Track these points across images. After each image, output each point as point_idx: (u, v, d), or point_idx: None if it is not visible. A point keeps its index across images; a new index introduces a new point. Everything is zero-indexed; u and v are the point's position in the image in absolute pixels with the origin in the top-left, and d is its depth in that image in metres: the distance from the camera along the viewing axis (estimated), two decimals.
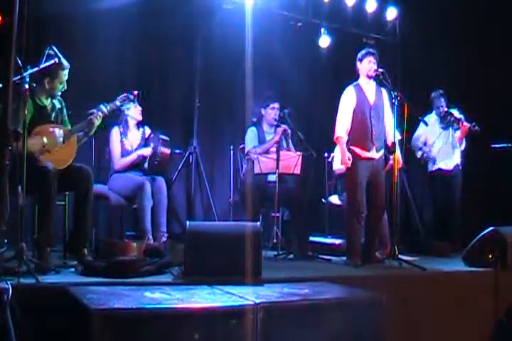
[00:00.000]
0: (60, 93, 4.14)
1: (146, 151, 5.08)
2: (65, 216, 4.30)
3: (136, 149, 5.13)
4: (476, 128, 6.07)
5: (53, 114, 4.14)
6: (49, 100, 4.13)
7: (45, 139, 3.91)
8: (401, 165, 5.08)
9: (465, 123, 6.10)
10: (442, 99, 6.29)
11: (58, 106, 4.20)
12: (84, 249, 3.98)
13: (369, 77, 4.94)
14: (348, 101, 4.95)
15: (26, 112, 3.60)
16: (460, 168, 6.31)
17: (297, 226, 5.29)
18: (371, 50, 4.98)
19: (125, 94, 4.48)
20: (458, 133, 6.22)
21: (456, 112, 6.27)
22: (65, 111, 4.26)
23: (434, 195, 6.47)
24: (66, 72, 4.07)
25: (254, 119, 5.80)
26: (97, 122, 4.16)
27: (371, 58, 4.90)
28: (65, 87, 4.12)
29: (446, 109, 6.28)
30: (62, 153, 4.01)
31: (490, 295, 4.41)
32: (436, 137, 6.34)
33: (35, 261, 3.40)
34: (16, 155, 3.25)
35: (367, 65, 4.91)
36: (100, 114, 4.17)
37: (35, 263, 3.38)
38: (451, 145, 6.28)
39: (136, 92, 4.62)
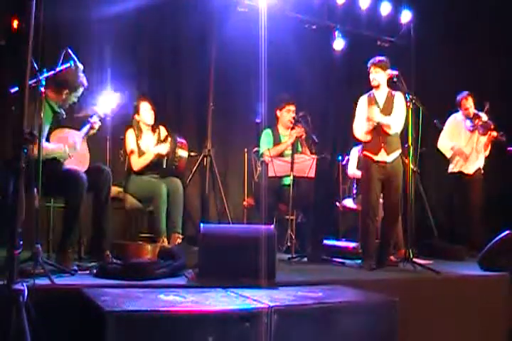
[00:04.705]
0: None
1: (164, 149, 5.09)
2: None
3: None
4: (504, 138, 6.02)
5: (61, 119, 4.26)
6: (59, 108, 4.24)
7: (66, 148, 4.01)
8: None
9: (493, 133, 6.04)
10: (470, 100, 6.20)
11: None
12: (107, 250, 4.02)
13: (374, 88, 4.97)
14: (359, 109, 5.03)
15: (45, 117, 3.73)
16: (482, 171, 6.24)
17: (311, 229, 5.28)
18: (372, 60, 4.96)
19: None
20: (485, 140, 6.14)
21: (484, 115, 6.19)
22: None
23: (453, 197, 6.41)
24: (81, 89, 4.20)
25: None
26: (97, 126, 4.33)
27: (371, 69, 4.93)
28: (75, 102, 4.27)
29: (474, 111, 6.20)
30: (79, 157, 4.13)
31: (505, 300, 4.38)
32: (460, 138, 6.28)
33: (51, 263, 3.43)
34: (32, 157, 3.28)
35: (370, 76, 4.95)
36: (98, 119, 4.34)
37: (54, 265, 3.44)
38: (475, 150, 6.20)
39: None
